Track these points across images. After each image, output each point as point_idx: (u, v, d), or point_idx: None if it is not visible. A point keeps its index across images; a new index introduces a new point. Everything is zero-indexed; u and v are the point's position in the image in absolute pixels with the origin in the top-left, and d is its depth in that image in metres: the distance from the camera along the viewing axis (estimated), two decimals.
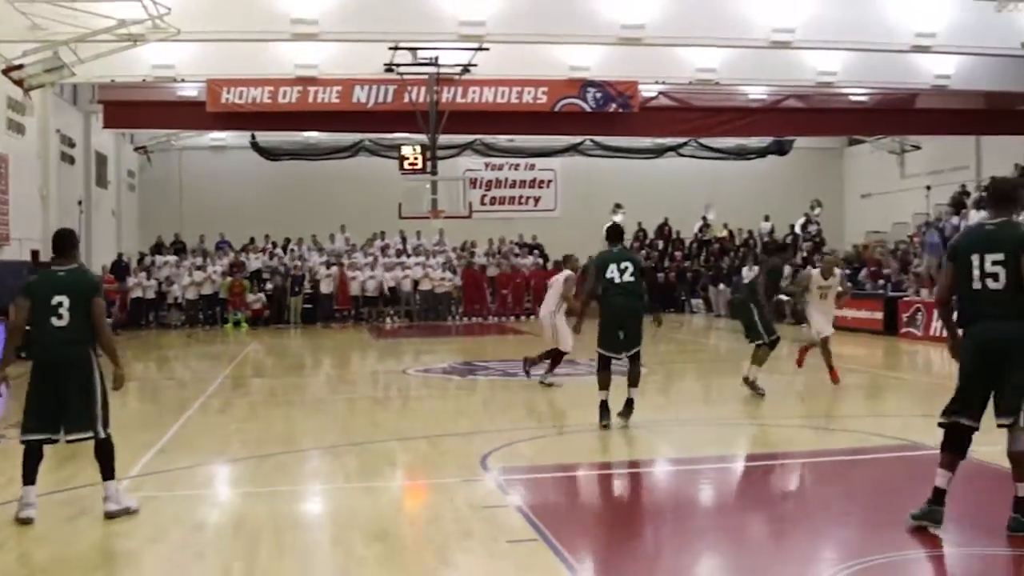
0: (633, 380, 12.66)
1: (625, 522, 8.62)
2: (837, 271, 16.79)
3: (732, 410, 14.63)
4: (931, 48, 28.43)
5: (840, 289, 16.50)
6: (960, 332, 7.64)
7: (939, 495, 7.54)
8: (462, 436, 12.32)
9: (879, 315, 27.32)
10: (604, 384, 12.51)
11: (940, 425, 7.61)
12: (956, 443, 7.53)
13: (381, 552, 7.47)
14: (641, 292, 12.65)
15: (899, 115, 35.10)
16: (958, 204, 32.91)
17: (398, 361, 23.04)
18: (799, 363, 16.93)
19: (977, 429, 7.47)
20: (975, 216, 30.66)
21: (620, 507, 9.32)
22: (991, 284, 7.27)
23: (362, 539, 7.76)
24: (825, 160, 43.90)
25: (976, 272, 7.32)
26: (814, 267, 19.01)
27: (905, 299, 27.13)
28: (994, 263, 7.25)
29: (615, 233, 13.23)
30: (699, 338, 29.68)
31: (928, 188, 36.93)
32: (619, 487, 10.03)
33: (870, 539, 7.72)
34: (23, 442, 8.42)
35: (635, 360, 12.62)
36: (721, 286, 36.23)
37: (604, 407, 12.43)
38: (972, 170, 36.64)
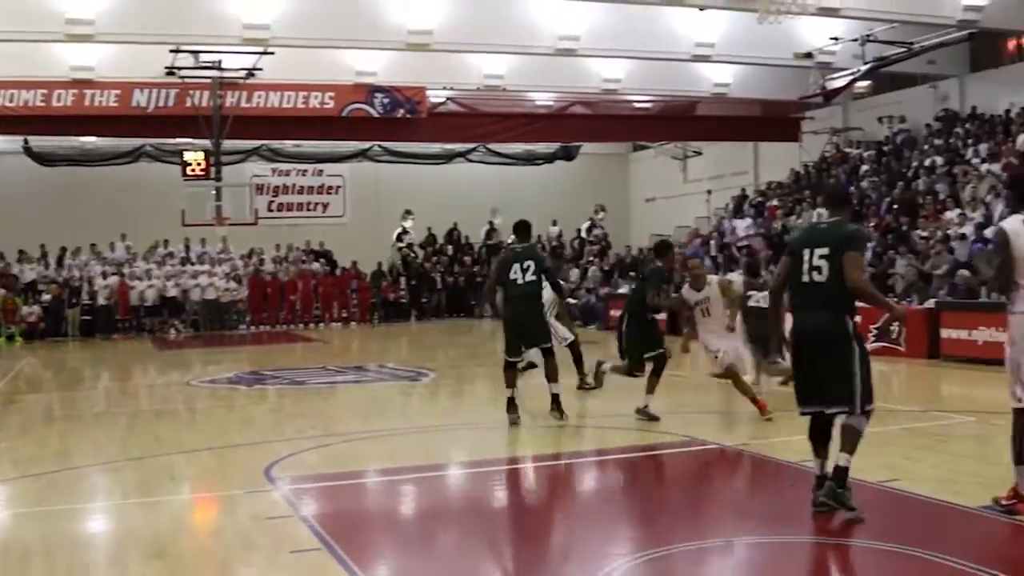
0: (552, 376, 12.82)
1: (411, 527, 8.57)
2: (712, 279, 13.72)
3: (524, 412, 14.75)
4: (710, 57, 29.47)
5: (723, 299, 13.19)
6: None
7: (817, 481, 7.89)
8: (247, 447, 12.03)
9: (662, 316, 27.93)
10: (510, 383, 12.71)
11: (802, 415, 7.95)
12: (814, 430, 7.94)
13: (160, 569, 7.19)
14: (540, 292, 12.91)
15: (681, 122, 36.21)
16: (738, 208, 34.14)
17: (183, 372, 22.41)
18: (761, 407, 12.60)
19: (822, 413, 7.83)
20: (741, 225, 31.92)
21: (406, 512, 9.25)
22: (816, 277, 7.74)
23: (140, 557, 7.45)
24: (611, 165, 44.90)
25: (806, 266, 7.78)
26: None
27: None
28: (820, 257, 7.72)
29: (522, 228, 13.23)
30: (488, 342, 29.84)
31: (709, 192, 38.26)
32: (406, 492, 9.92)
33: (652, 533, 7.88)
34: None
35: (549, 355, 12.86)
36: None
37: (511, 403, 12.64)
38: (751, 175, 38.13)
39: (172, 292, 34.35)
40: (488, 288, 13.78)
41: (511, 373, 12.82)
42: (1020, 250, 7.79)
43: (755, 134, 36.81)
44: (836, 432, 7.81)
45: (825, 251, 7.70)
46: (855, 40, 28.92)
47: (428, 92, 32.24)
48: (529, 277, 12.58)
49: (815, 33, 29.26)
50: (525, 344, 12.85)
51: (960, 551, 6.80)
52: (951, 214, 24.06)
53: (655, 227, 38.88)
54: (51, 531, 8.43)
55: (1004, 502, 7.79)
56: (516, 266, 12.65)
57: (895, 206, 26.23)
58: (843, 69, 30.30)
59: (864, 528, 7.52)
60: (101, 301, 33.68)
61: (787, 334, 8.20)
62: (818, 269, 7.70)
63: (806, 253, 7.79)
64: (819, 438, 7.91)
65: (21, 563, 7.38)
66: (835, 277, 7.66)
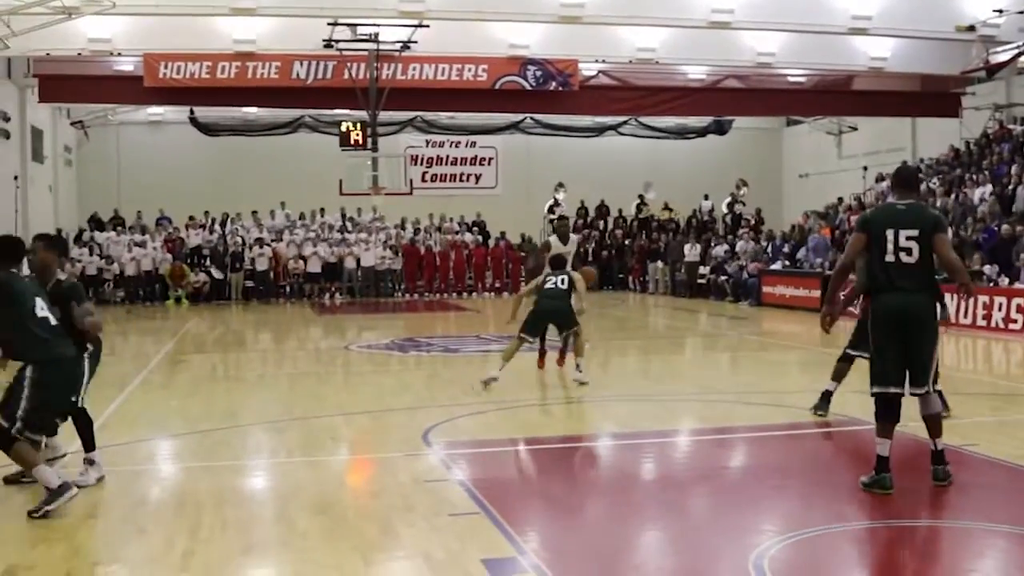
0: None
1: (566, 495, 8.67)
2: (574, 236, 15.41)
3: (672, 386, 14.79)
4: (867, 30, 28.90)
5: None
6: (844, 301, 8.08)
7: (883, 463, 7.92)
8: (404, 411, 12.36)
9: (816, 293, 27.61)
10: (839, 375, 11.70)
11: (873, 395, 7.99)
12: (888, 411, 7.94)
13: (323, 525, 7.49)
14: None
15: (836, 96, 35.57)
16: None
17: (341, 337, 23.01)
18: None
19: (903, 394, 7.90)
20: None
21: (561, 481, 9.33)
22: (904, 258, 7.81)
23: (304, 513, 7.78)
24: (764, 140, 44.28)
25: (891, 246, 7.83)
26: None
27: None
28: (908, 238, 7.79)
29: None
30: (638, 315, 29.89)
31: (865, 169, 37.42)
32: (561, 461, 10.08)
33: (808, 511, 7.89)
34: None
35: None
36: (659, 264, 36.49)
37: (828, 396, 11.68)
38: (908, 151, 37.18)
39: (332, 259, 35.20)
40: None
41: (845, 365, 11.44)
42: None
43: (913, 109, 35.87)
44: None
45: (914, 233, 7.79)
46: (1020, 12, 27.95)
47: (580, 65, 32.25)
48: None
49: (978, 5, 28.40)
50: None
51: None
52: None
53: (809, 203, 38.33)
54: (220, 485, 8.84)
55: None
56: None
57: None
58: (1007, 43, 29.32)
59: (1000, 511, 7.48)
60: (264, 267, 34.65)
61: None
62: (907, 251, 7.79)
63: (889, 234, 7.84)
64: (895, 418, 7.96)
65: (194, 515, 7.77)
66: (926, 258, 7.81)
